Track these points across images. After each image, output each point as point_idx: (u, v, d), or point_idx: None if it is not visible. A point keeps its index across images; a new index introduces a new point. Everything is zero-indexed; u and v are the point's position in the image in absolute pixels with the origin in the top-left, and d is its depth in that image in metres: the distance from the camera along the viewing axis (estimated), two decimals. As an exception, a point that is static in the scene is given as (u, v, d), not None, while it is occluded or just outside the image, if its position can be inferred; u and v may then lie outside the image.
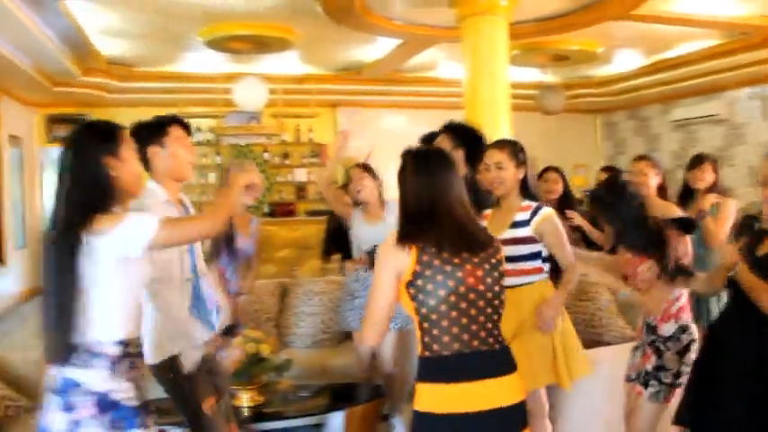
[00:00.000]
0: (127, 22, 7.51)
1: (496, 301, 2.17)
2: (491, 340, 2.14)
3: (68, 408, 2.07)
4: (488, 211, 3.35)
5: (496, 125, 6.54)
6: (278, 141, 11.33)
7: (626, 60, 10.18)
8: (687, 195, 4.84)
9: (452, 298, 2.09)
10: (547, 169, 5.19)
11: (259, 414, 3.43)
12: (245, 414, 3.43)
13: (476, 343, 2.10)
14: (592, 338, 3.91)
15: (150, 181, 2.84)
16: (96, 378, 2.10)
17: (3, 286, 9.39)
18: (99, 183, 2.16)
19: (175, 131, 2.82)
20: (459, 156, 4.16)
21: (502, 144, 3.31)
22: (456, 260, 2.12)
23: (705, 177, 4.72)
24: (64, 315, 2.08)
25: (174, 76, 9.68)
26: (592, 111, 13.24)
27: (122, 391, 2.13)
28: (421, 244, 2.12)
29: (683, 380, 2.96)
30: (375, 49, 9.11)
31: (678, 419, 2.86)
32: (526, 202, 3.18)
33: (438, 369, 2.10)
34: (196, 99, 9.97)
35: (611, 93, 11.77)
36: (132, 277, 2.21)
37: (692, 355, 2.99)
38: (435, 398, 2.07)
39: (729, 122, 10.41)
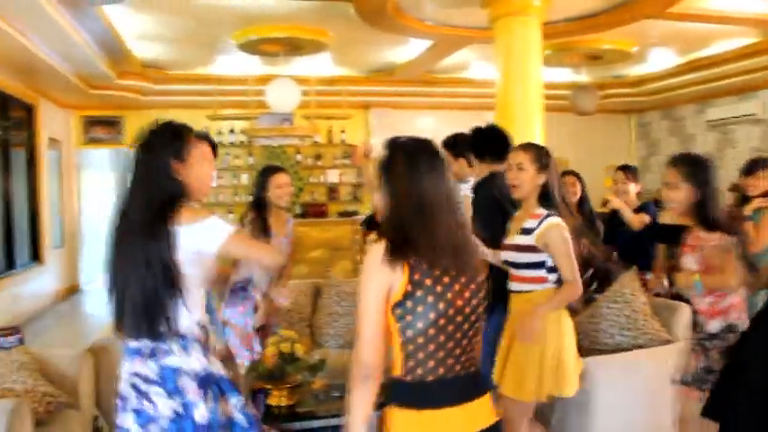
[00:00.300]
0: (162, 26, 7.64)
1: (478, 323, 1.96)
2: (468, 363, 1.94)
3: (176, 392, 2.20)
4: (516, 215, 3.28)
5: (529, 126, 6.51)
6: (310, 143, 11.41)
7: (660, 59, 10.05)
8: (744, 202, 4.68)
9: (441, 321, 1.86)
10: (564, 173, 5.05)
11: (293, 413, 3.45)
12: (279, 413, 3.46)
13: (458, 367, 1.91)
14: (627, 342, 3.86)
15: None
16: (194, 361, 2.25)
17: (41, 285, 9.60)
18: (166, 185, 2.24)
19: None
20: (461, 164, 4.22)
21: (526, 146, 3.22)
22: (446, 279, 1.87)
23: (759, 184, 4.60)
24: (155, 305, 2.19)
25: (208, 78, 9.81)
26: (625, 111, 13.10)
27: (216, 366, 2.32)
28: (412, 261, 1.85)
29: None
30: (407, 50, 9.12)
31: (705, 412, 2.78)
32: (539, 210, 3.06)
33: (421, 394, 1.89)
34: (229, 101, 10.07)
35: (645, 92, 11.63)
36: (206, 270, 2.34)
37: None
38: (415, 425, 1.89)
39: (766, 122, 10.22)
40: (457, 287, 1.88)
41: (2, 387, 3.22)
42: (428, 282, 1.85)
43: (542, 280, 3.04)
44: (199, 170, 2.36)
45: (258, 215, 4.21)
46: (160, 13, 7.14)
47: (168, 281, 2.19)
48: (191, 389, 2.22)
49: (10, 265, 8.47)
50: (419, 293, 1.84)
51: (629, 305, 3.92)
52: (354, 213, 11.21)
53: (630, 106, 12.68)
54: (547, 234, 2.97)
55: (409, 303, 1.84)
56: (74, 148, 11.34)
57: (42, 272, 9.61)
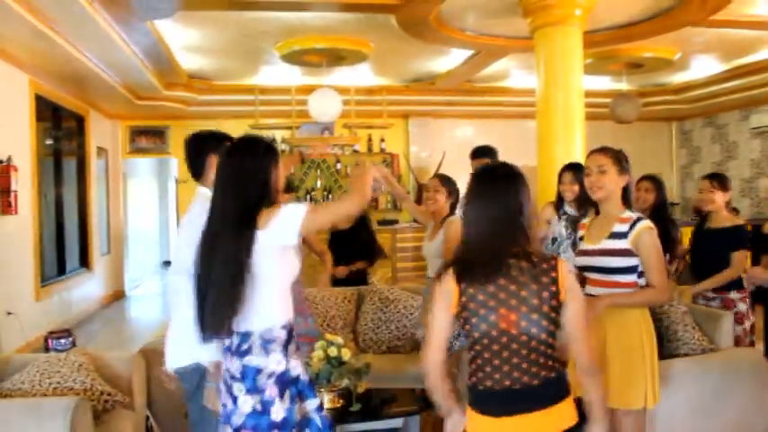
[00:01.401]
0: (208, 38, 7.83)
1: (533, 342, 2.09)
2: (526, 378, 2.10)
3: (256, 390, 2.34)
4: (586, 221, 3.26)
5: (570, 134, 6.52)
6: (350, 152, 11.54)
7: (703, 66, 9.95)
8: None
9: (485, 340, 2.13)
10: (641, 178, 5.00)
11: (339, 416, 3.54)
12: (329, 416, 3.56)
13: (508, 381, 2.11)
14: (669, 353, 3.85)
15: (203, 187, 2.95)
16: (273, 362, 2.36)
17: (89, 290, 9.88)
18: (266, 185, 2.39)
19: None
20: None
21: (605, 149, 3.15)
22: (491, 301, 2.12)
23: None
24: (230, 305, 2.30)
25: (251, 88, 9.98)
26: (666, 118, 12.98)
27: (295, 368, 2.43)
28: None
29: None
30: (447, 60, 9.20)
31: None
32: (627, 213, 3.01)
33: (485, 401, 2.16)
34: (271, 111, 10.26)
35: (686, 100, 11.52)
36: (289, 267, 2.46)
37: None
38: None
39: (812, 129, 10.06)
40: (502, 310, 2.09)
41: (63, 386, 3.37)
42: (481, 297, 2.11)
43: (633, 285, 2.97)
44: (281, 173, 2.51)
45: None
46: (206, 26, 7.33)
47: (242, 282, 2.30)
48: (269, 388, 2.35)
49: (61, 270, 8.75)
50: (472, 306, 2.12)
51: (667, 317, 3.91)
52: (394, 222, 11.28)
53: (672, 114, 12.56)
54: (640, 238, 2.92)
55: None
56: (120, 157, 11.65)
57: (90, 277, 9.89)
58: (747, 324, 4.30)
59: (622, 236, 2.95)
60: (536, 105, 6.78)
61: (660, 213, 4.50)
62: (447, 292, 2.16)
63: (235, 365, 2.37)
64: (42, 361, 3.57)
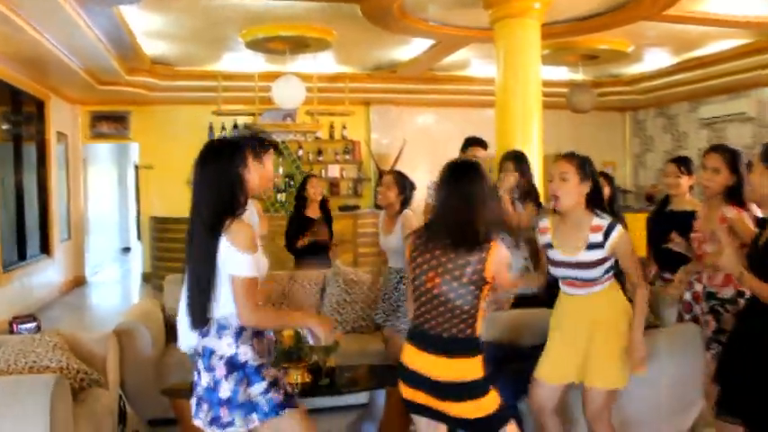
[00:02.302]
0: (172, 24, 7.85)
1: (449, 304, 2.68)
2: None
3: (210, 369, 2.62)
4: (547, 223, 3.24)
5: (528, 123, 6.74)
6: (312, 138, 11.65)
7: (655, 59, 10.30)
8: None
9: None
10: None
11: (309, 390, 3.70)
12: (296, 390, 3.71)
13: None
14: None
15: None
16: (224, 345, 2.61)
17: (50, 276, 9.84)
18: (232, 189, 2.61)
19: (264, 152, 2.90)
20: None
21: (570, 156, 3.17)
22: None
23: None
24: (203, 295, 2.60)
25: (214, 74, 10.01)
26: (621, 108, 13.37)
27: (245, 354, 2.62)
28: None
29: None
30: (409, 49, 9.35)
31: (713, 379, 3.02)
32: (596, 221, 3.06)
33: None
34: (234, 97, 10.30)
35: (640, 91, 11.90)
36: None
37: None
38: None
39: (758, 121, 10.49)
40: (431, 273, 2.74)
41: (39, 365, 3.46)
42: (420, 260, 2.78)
43: (609, 279, 3.13)
44: (256, 172, 2.74)
45: None
46: (171, 12, 7.34)
47: (209, 276, 2.59)
48: (218, 368, 2.60)
49: (21, 256, 8.70)
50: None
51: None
52: (355, 207, 11.44)
53: (626, 104, 12.95)
54: (618, 246, 3.02)
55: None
56: (80, 142, 11.55)
57: (51, 264, 9.84)
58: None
59: (599, 246, 3.03)
60: (495, 95, 6.98)
61: (612, 209, 4.72)
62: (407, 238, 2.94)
63: (199, 345, 2.69)
64: (17, 341, 3.65)
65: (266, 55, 9.15)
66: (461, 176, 2.79)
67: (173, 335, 4.89)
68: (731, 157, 3.42)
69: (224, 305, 2.61)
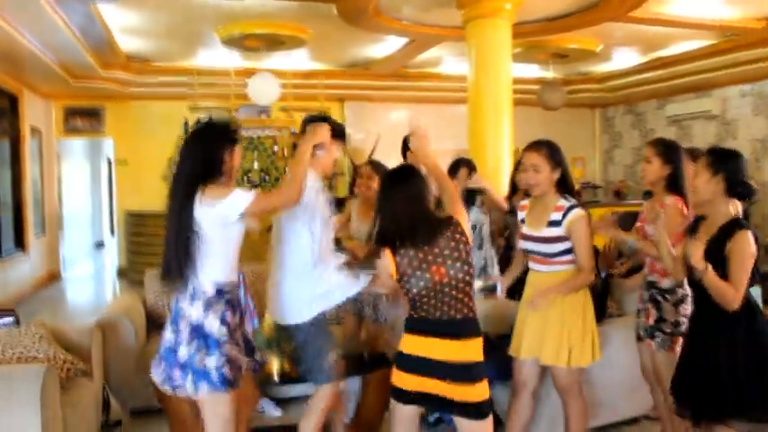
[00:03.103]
0: (148, 21, 7.89)
1: (460, 284, 2.76)
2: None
3: (176, 330, 2.79)
4: (526, 202, 3.51)
5: (499, 119, 6.93)
6: (287, 134, 11.73)
7: (624, 58, 10.57)
8: None
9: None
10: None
11: (288, 378, 3.85)
12: (276, 379, 3.87)
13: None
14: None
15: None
16: (194, 311, 2.77)
17: (25, 272, 9.81)
18: (209, 164, 2.81)
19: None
20: None
21: (539, 146, 3.36)
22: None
23: None
24: (177, 258, 2.75)
25: (189, 70, 10.05)
26: (590, 105, 13.65)
27: (211, 324, 2.76)
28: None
29: (683, 329, 3.35)
30: (383, 46, 9.50)
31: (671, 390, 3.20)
32: (560, 202, 3.29)
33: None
34: (209, 93, 10.35)
35: (609, 89, 12.18)
36: (231, 235, 2.85)
37: (687, 307, 3.40)
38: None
39: (721, 118, 10.82)
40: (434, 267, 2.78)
41: (27, 356, 3.55)
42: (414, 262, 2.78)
43: (569, 262, 3.31)
44: (237, 160, 2.93)
45: None
46: (147, 8, 7.39)
47: (186, 243, 2.74)
48: (183, 331, 2.77)
49: (-4, 251, 8.70)
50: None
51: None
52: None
53: (595, 101, 13.23)
54: (572, 225, 3.23)
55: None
56: (54, 137, 11.50)
57: (26, 259, 9.82)
58: None
59: (557, 224, 3.27)
60: (467, 92, 7.15)
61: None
62: (386, 265, 2.81)
63: (173, 303, 2.87)
64: (2, 333, 3.73)
65: (242, 52, 9.22)
66: (402, 180, 2.90)
67: (154, 327, 5.04)
68: (663, 149, 3.56)
69: (205, 273, 2.77)
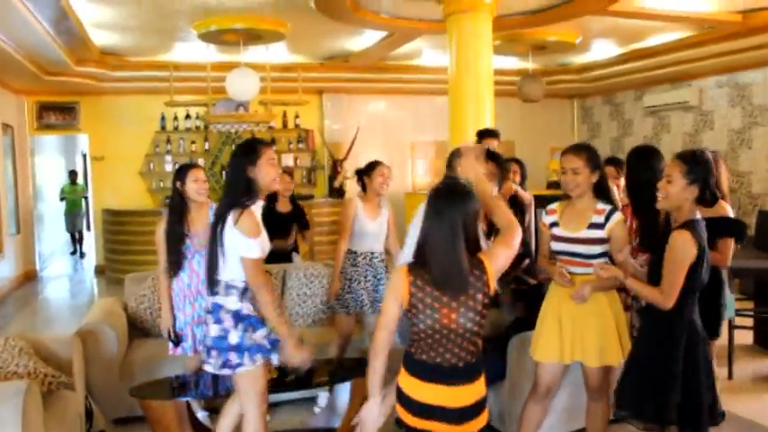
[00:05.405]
0: (121, 16, 7.73)
1: (467, 334, 2.53)
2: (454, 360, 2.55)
3: (219, 321, 3.21)
4: (555, 206, 3.53)
5: (480, 111, 6.92)
6: (265, 128, 11.60)
7: (602, 49, 10.59)
8: None
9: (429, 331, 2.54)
10: (508, 160, 5.34)
11: (276, 385, 3.79)
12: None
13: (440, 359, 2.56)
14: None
15: None
16: (231, 302, 3.21)
17: (0, 273, 9.63)
18: (236, 184, 3.20)
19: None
20: None
21: (579, 150, 3.41)
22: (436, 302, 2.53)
23: None
24: (213, 264, 3.23)
25: (165, 65, 9.89)
26: (569, 96, 13.69)
27: (248, 308, 3.23)
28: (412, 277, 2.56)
29: None
30: (361, 39, 9.41)
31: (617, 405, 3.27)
32: (600, 205, 3.35)
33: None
34: (186, 87, 10.22)
35: (587, 79, 12.20)
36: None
37: None
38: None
39: (698, 109, 10.89)
40: (445, 310, 2.51)
41: (6, 371, 3.46)
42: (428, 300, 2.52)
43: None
44: (266, 171, 3.23)
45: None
46: (120, 4, 7.24)
47: (220, 254, 3.19)
48: (226, 320, 3.19)
49: (-30, 252, 8.52)
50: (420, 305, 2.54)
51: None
52: (310, 197, 11.48)
53: (574, 92, 13.26)
54: (614, 229, 3.29)
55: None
56: (27, 133, 11.28)
57: (1, 259, 9.64)
58: None
59: (600, 226, 3.31)
60: (448, 85, 7.13)
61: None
62: (397, 287, 2.57)
63: (209, 302, 3.30)
64: (-20, 347, 3.64)
65: (219, 45, 9.08)
66: (447, 204, 2.53)
67: (136, 333, 4.96)
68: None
69: (230, 271, 3.19)
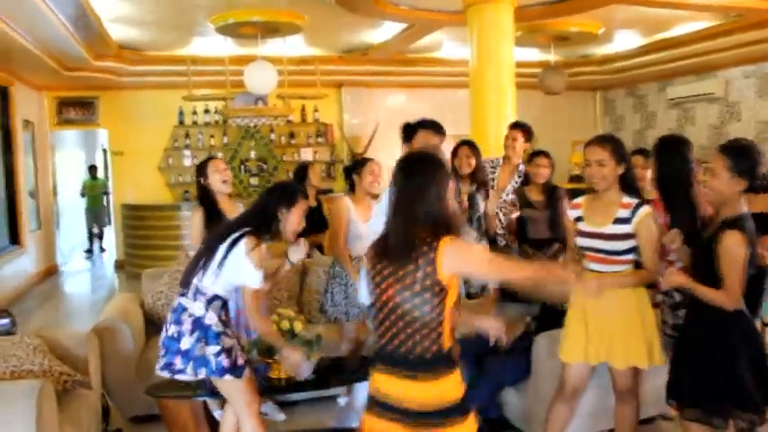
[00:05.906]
0: (140, 11, 7.71)
1: (407, 317, 2.29)
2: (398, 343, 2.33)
3: (178, 322, 3.18)
4: (581, 200, 3.40)
5: (501, 103, 6.84)
6: (284, 122, 11.54)
7: (625, 40, 10.39)
8: None
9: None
10: (537, 153, 5.14)
11: (294, 384, 3.72)
12: (279, 385, 3.74)
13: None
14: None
15: None
16: (196, 307, 3.19)
17: (21, 267, 9.69)
18: (267, 218, 3.30)
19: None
20: None
21: (603, 141, 3.26)
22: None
23: None
24: (196, 267, 3.23)
25: (183, 59, 9.83)
26: (591, 88, 13.48)
27: (210, 319, 3.19)
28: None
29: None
30: (381, 32, 9.31)
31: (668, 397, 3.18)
32: (626, 199, 3.21)
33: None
34: (204, 81, 10.16)
35: (610, 71, 12.00)
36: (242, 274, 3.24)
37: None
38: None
39: (724, 101, 10.66)
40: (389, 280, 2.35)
41: (21, 369, 3.42)
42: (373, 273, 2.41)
43: (629, 262, 3.24)
44: (293, 221, 3.37)
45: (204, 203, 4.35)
46: (140, -1, 7.22)
47: (211, 259, 3.20)
48: (185, 324, 3.17)
49: (-9, 248, 8.56)
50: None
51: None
52: (329, 191, 11.41)
53: (596, 84, 13.06)
54: (642, 224, 3.15)
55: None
56: (47, 129, 11.32)
57: (22, 254, 9.68)
58: None
59: (626, 221, 3.17)
60: (469, 77, 7.03)
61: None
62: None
63: (176, 301, 3.29)
64: (-4, 344, 3.61)
65: (236, 39, 9.01)
66: (409, 171, 2.42)
67: (152, 330, 4.91)
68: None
69: (214, 284, 3.20)
